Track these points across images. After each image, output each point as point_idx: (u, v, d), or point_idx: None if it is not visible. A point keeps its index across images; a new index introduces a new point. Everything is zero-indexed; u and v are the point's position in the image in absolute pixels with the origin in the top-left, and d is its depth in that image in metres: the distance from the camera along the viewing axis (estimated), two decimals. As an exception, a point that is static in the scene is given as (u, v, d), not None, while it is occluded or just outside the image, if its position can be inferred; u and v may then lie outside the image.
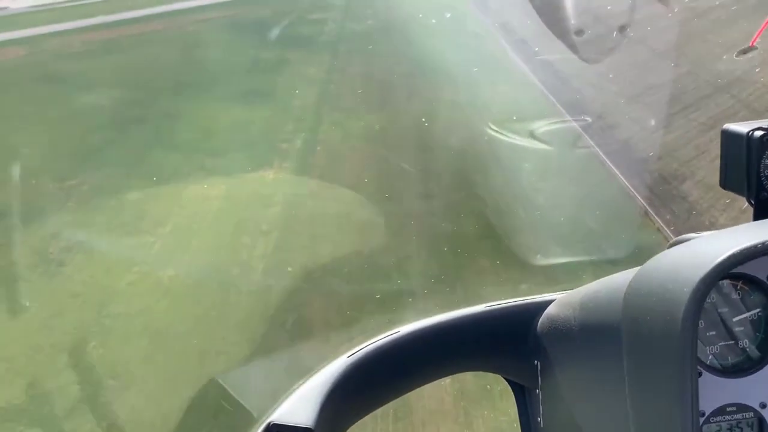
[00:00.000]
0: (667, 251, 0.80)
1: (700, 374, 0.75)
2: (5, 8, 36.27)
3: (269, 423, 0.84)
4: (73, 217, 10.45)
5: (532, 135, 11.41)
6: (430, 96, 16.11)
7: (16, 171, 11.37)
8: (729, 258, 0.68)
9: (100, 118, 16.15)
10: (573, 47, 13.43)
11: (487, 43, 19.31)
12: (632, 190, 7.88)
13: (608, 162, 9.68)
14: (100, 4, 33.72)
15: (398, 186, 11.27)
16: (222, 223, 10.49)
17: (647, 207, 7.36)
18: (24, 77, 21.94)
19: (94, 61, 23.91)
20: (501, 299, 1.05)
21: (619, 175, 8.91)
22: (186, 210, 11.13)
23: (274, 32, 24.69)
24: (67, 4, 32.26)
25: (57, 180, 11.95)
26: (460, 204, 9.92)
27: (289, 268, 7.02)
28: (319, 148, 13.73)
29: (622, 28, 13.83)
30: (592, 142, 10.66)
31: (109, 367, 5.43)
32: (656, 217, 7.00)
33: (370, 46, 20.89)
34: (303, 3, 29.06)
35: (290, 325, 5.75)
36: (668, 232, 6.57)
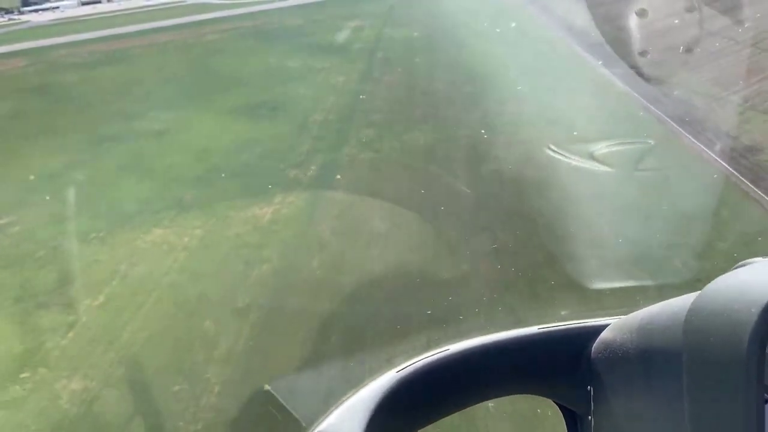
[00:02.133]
0: (732, 272, 0.72)
1: (766, 401, 0.67)
2: (28, 21, 34.48)
3: None
4: None
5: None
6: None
7: None
8: None
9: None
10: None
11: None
12: None
13: None
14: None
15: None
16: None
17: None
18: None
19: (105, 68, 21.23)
20: (554, 322, 0.94)
21: None
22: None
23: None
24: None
25: None
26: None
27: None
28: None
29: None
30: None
31: None
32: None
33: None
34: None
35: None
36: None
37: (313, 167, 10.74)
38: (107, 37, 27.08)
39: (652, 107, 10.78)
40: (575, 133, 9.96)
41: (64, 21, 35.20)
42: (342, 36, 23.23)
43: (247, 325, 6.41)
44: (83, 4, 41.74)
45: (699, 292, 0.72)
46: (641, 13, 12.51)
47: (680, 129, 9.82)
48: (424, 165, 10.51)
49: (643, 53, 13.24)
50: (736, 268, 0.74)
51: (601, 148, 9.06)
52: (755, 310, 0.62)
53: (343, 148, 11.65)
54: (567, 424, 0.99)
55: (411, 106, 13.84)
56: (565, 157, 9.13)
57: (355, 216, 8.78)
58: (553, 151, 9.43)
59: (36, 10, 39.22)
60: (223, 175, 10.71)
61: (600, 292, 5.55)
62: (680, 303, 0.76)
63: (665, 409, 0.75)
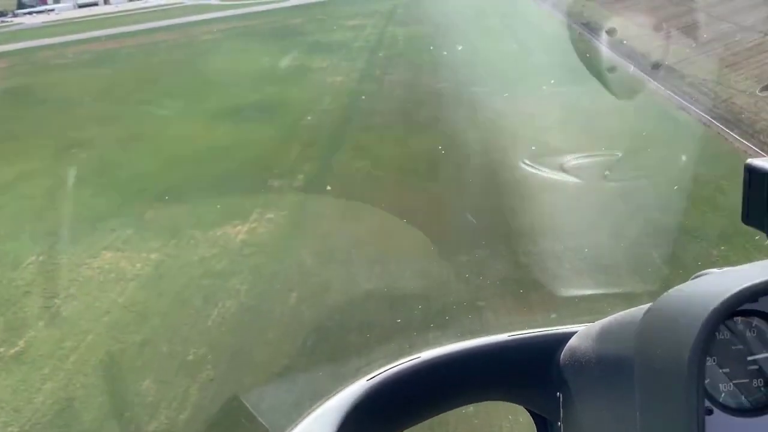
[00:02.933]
0: (684, 284, 0.72)
1: (711, 412, 0.70)
2: (21, 24, 33.28)
3: None
4: None
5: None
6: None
7: None
8: (738, 294, 0.64)
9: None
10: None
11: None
12: None
13: None
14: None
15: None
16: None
17: None
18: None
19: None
20: (524, 329, 0.95)
21: None
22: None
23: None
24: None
25: None
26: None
27: None
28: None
29: None
30: None
31: None
32: None
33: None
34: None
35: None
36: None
37: (300, 177, 9.24)
38: (96, 38, 25.75)
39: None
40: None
41: (57, 23, 34.02)
42: (343, 35, 21.79)
43: (196, 388, 4.89)
44: (80, 6, 40.73)
45: (652, 303, 0.72)
46: None
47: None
48: (430, 176, 8.98)
49: None
50: (692, 279, 0.73)
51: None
52: (697, 323, 0.62)
53: (336, 154, 10.15)
54: (537, 430, 0.97)
55: (416, 108, 12.34)
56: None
57: (346, 238, 7.25)
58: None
59: (30, 13, 38.20)
60: (195, 186, 9.22)
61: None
62: (635, 313, 0.75)
63: (622, 417, 0.73)
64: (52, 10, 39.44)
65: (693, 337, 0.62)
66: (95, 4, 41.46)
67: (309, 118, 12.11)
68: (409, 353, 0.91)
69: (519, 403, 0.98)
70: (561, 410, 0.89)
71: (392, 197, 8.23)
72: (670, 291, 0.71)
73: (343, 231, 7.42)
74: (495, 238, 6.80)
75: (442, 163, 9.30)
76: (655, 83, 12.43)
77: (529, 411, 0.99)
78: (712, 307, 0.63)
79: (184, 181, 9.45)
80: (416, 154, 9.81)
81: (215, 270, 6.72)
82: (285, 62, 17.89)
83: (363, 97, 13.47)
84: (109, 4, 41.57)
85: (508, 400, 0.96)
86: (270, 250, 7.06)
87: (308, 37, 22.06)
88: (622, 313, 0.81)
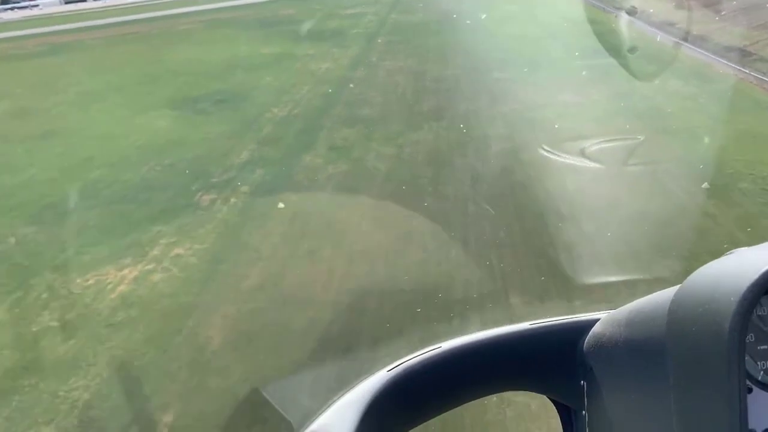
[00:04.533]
0: (714, 262, 0.69)
1: (750, 390, 0.67)
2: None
3: None
4: None
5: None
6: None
7: None
8: None
9: None
10: None
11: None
12: None
13: None
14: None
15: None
16: None
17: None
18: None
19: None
20: (546, 317, 0.92)
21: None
22: None
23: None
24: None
25: None
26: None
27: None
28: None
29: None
30: None
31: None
32: None
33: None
34: None
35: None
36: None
37: (243, 189, 6.37)
38: (68, 30, 23.16)
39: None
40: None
41: (36, 17, 31.67)
42: (339, 22, 19.00)
43: None
44: (66, 2, 38.39)
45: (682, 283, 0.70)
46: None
47: None
48: (426, 185, 6.09)
49: None
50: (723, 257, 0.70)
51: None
52: (734, 299, 0.60)
53: (302, 156, 7.27)
54: (561, 420, 0.95)
55: (415, 97, 9.46)
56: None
57: (287, 292, 4.37)
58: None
59: (12, 8, 35.86)
60: (93, 200, 6.38)
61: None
62: (664, 295, 0.73)
63: (654, 402, 0.72)
64: (36, 5, 37.11)
65: (732, 310, 0.59)
66: (84, 0, 39.12)
67: (275, 110, 9.25)
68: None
69: (542, 393, 0.94)
70: (585, 399, 0.87)
71: (372, 223, 5.34)
72: (701, 268, 0.67)
73: (288, 288, 4.53)
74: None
75: (445, 168, 6.41)
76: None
77: (553, 400, 0.95)
78: (751, 280, 0.60)
79: (82, 193, 6.61)
80: (411, 156, 6.92)
81: (56, 356, 3.84)
82: (266, 50, 15.09)
83: (351, 85, 10.59)
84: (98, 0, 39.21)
85: (531, 390, 0.94)
86: (154, 322, 4.17)
87: (299, 25, 19.29)
88: (649, 296, 0.77)
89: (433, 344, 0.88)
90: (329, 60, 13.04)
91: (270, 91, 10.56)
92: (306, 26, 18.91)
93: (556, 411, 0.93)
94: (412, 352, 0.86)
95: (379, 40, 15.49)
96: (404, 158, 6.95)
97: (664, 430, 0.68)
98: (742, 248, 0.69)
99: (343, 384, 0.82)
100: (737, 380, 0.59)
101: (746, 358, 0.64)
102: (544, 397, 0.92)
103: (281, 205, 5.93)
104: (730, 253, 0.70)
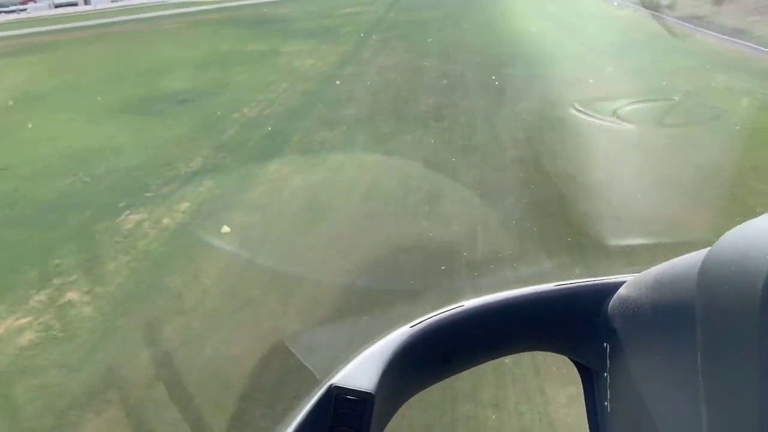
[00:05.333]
0: (746, 223, 0.66)
1: None
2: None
3: (330, 385, 0.76)
4: None
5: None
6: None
7: None
8: None
9: None
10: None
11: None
12: None
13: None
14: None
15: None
16: None
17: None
18: None
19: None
20: (571, 279, 0.89)
21: None
22: None
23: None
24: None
25: None
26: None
27: None
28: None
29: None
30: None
31: None
32: None
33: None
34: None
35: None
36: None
37: (182, 206, 4.89)
38: (47, 32, 21.84)
39: None
40: None
41: (22, 20, 30.41)
42: (332, 21, 17.63)
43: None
44: (56, 6, 37.23)
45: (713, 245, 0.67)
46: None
47: None
48: (412, 202, 4.63)
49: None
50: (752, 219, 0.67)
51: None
52: None
53: (265, 164, 5.79)
54: (582, 380, 0.93)
55: (409, 95, 8.00)
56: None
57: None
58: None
59: (0, 12, 34.64)
60: (-14, 222, 4.90)
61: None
62: (695, 256, 0.69)
63: (680, 364, 0.70)
64: (24, 9, 35.96)
65: (766, 272, 0.56)
66: (74, 4, 37.95)
67: (245, 109, 7.78)
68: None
69: (564, 354, 0.92)
70: (608, 360, 0.85)
71: (343, 262, 3.86)
72: (734, 229, 0.65)
73: (206, 362, 3.05)
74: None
75: (440, 179, 4.96)
76: None
77: (574, 361, 0.93)
78: None
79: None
80: (401, 165, 5.45)
81: None
82: (249, 47, 13.69)
83: (337, 82, 9.13)
84: (89, 4, 38.05)
85: (553, 351, 0.92)
86: (37, 389, 2.71)
87: (289, 24, 17.95)
88: (677, 258, 0.73)
89: (456, 303, 0.87)
90: (316, 57, 11.60)
91: (242, 90, 9.10)
92: (298, 26, 17.54)
93: (577, 372, 0.89)
94: (434, 309, 0.84)
95: (374, 37, 14.08)
96: (394, 163, 5.47)
97: (688, 393, 0.65)
98: None
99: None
100: None
101: None
102: (566, 357, 0.88)
103: (226, 229, 4.44)
104: (761, 213, 0.67)
